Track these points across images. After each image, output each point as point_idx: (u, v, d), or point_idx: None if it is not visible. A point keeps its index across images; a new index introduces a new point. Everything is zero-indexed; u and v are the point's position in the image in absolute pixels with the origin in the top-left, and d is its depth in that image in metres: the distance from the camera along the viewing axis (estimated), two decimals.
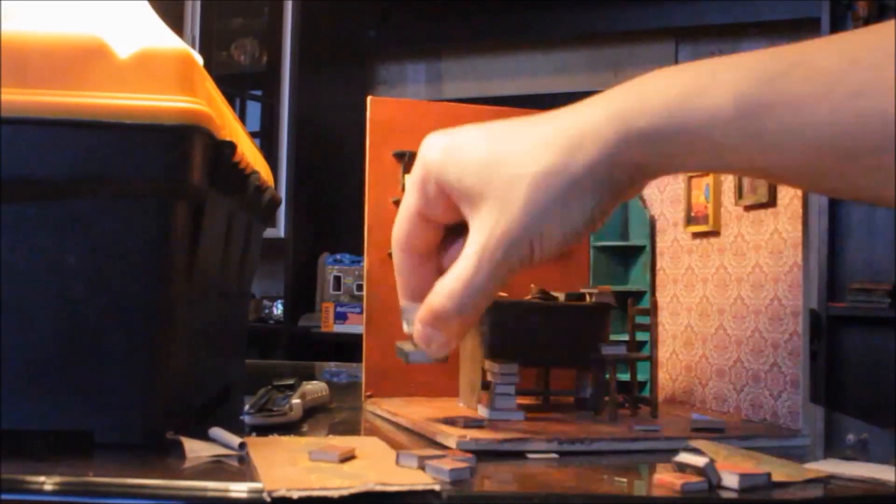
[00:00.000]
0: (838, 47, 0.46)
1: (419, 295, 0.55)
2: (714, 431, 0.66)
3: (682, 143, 0.49)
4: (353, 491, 0.45)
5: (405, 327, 0.55)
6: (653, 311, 0.81)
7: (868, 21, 2.91)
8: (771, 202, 0.73)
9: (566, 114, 0.52)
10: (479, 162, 0.52)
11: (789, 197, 0.72)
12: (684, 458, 0.51)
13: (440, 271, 0.54)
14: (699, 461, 0.50)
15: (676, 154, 0.50)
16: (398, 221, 0.56)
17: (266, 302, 3.43)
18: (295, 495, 0.44)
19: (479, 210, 0.52)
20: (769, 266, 0.73)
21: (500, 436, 0.62)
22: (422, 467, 0.52)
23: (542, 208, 0.51)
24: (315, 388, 0.76)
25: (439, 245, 0.56)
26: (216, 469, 0.53)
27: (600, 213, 0.52)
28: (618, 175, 0.52)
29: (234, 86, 3.45)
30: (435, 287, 0.53)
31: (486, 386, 0.73)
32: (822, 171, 0.47)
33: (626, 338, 0.90)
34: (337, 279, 3.30)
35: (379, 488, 0.46)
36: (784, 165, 0.48)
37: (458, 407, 0.77)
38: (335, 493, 0.45)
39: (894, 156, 0.44)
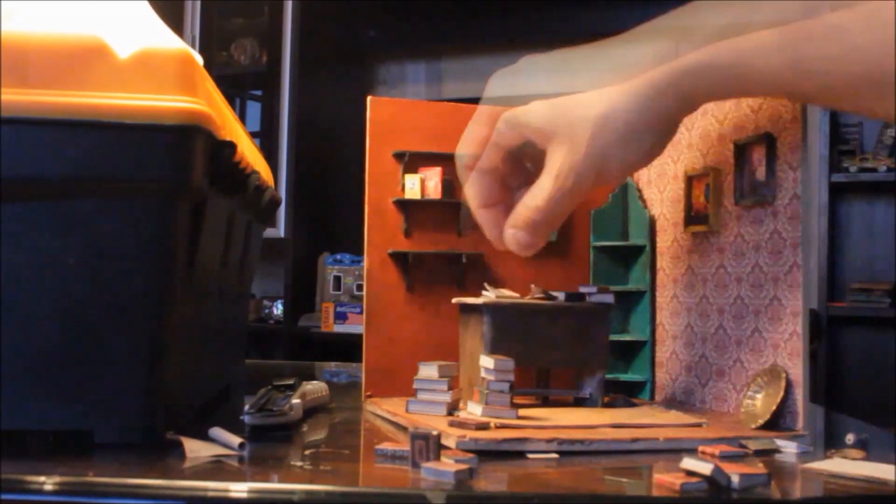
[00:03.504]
0: None
1: (494, 201, 0.65)
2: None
3: (728, 73, 0.55)
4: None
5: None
6: (652, 310, 0.81)
7: None
8: (770, 202, 0.73)
9: (617, 49, 0.60)
10: (548, 103, 0.60)
11: (789, 197, 0.72)
12: (690, 464, 0.51)
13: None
14: (705, 468, 0.50)
15: (722, 83, 0.56)
16: (468, 146, 0.65)
17: (266, 302, 3.43)
18: None
19: (551, 144, 0.60)
20: (769, 266, 0.73)
21: (499, 436, 0.62)
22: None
23: (604, 145, 0.59)
24: (315, 388, 0.76)
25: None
26: (216, 469, 0.53)
27: (658, 145, 0.60)
28: (669, 109, 0.58)
29: (234, 86, 3.45)
30: (521, 203, 0.62)
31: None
32: (860, 93, 0.51)
33: (626, 338, 0.90)
34: (337, 279, 3.30)
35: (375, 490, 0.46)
36: (822, 90, 0.53)
37: (461, 406, 0.77)
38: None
39: None
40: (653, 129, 0.59)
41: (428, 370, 0.73)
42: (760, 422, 0.69)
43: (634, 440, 0.63)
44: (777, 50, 0.52)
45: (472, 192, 0.64)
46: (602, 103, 0.58)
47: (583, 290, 0.81)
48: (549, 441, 0.61)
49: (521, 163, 0.65)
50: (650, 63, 0.59)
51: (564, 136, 0.59)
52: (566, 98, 0.59)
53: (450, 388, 0.73)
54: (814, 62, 0.51)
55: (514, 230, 0.62)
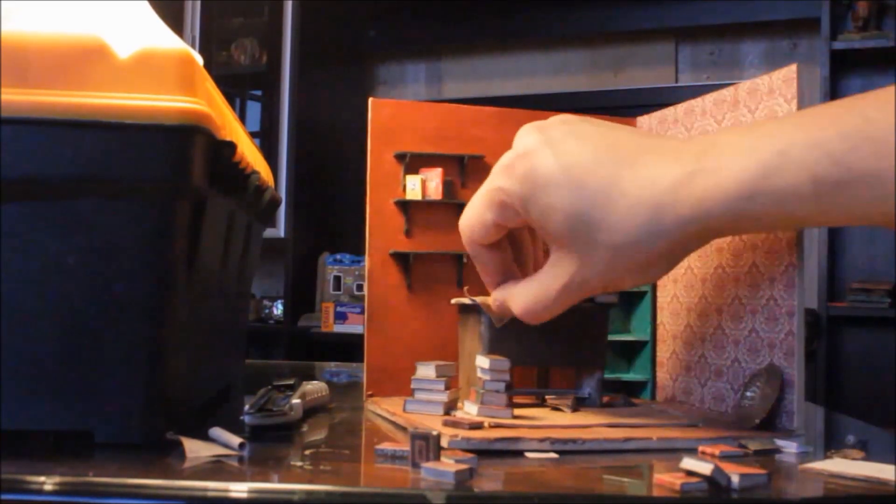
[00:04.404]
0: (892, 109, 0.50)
1: (501, 278, 0.67)
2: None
3: (759, 218, 0.55)
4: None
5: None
6: (653, 311, 0.81)
7: (868, 21, 2.91)
8: None
9: (645, 176, 0.58)
10: (565, 212, 0.59)
11: None
12: (690, 464, 0.51)
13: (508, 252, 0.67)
14: (705, 468, 0.50)
15: (754, 225, 0.57)
16: (472, 224, 0.65)
17: (266, 302, 3.44)
18: None
19: (560, 250, 0.61)
20: (765, 266, 0.73)
21: (492, 435, 0.62)
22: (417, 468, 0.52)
23: (620, 272, 0.59)
24: (315, 388, 0.76)
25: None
26: (216, 469, 0.53)
27: (671, 268, 0.62)
28: (694, 245, 0.60)
29: (234, 86, 3.45)
30: (516, 292, 0.65)
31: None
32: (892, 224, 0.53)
33: (627, 337, 0.90)
34: (337, 279, 3.31)
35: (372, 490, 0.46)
36: (856, 222, 0.54)
37: (459, 406, 0.77)
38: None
39: None
40: (670, 259, 0.60)
41: (425, 370, 0.73)
42: (756, 421, 0.69)
43: (627, 440, 0.63)
44: (812, 198, 0.53)
45: (480, 266, 0.67)
46: (626, 234, 0.57)
47: None
48: (542, 440, 0.61)
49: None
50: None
51: (580, 253, 0.59)
52: (587, 211, 0.58)
53: (447, 388, 0.73)
54: (849, 207, 0.52)
55: (501, 302, 0.66)
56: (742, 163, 0.54)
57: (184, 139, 0.57)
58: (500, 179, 0.62)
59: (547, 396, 0.80)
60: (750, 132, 0.56)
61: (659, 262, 0.59)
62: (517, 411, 0.71)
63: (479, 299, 0.75)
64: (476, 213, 0.64)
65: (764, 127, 0.56)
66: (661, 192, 0.56)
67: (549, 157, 0.59)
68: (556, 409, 0.75)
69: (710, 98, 0.83)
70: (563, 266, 0.61)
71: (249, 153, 0.75)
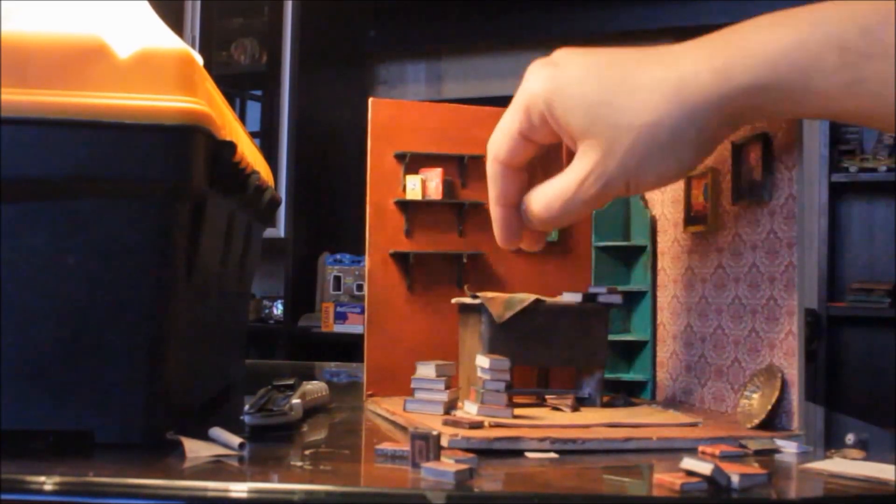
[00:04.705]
0: None
1: (512, 202, 0.61)
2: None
3: (784, 92, 0.53)
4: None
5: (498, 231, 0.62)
6: (653, 310, 0.81)
7: None
8: (767, 202, 0.73)
9: (667, 59, 0.56)
10: (587, 102, 0.56)
11: (785, 197, 0.72)
12: (690, 464, 0.51)
13: (530, 180, 0.62)
14: (705, 468, 0.50)
15: (777, 102, 0.54)
16: (499, 138, 0.61)
17: (266, 302, 3.43)
18: None
19: (583, 143, 0.57)
20: (765, 266, 0.73)
21: (492, 434, 0.62)
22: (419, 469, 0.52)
23: (642, 156, 0.55)
24: (315, 388, 0.76)
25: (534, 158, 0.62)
26: (216, 469, 0.53)
27: (697, 160, 0.57)
28: (719, 125, 0.56)
29: (234, 86, 3.45)
30: (535, 192, 0.60)
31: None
32: None
33: (627, 337, 0.90)
34: (337, 279, 3.30)
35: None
36: (878, 112, 0.51)
37: (460, 406, 0.77)
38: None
39: None
40: (696, 145, 0.56)
41: (425, 369, 0.73)
42: (756, 421, 0.69)
43: (627, 440, 0.63)
44: (837, 70, 0.51)
45: (494, 187, 0.62)
46: (648, 113, 0.55)
47: (592, 290, 0.81)
48: (542, 440, 0.61)
49: (553, 163, 0.62)
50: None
51: (601, 140, 0.56)
52: (609, 98, 0.56)
53: (447, 388, 0.73)
54: (873, 84, 0.50)
55: (525, 207, 0.61)
56: (768, 35, 0.53)
57: (184, 139, 0.57)
58: (525, 84, 0.60)
59: (547, 396, 0.80)
60: (773, 18, 0.55)
61: (684, 146, 0.55)
62: (517, 411, 0.71)
63: (480, 295, 0.74)
64: (503, 125, 0.61)
65: (788, 13, 0.54)
66: (685, 69, 0.55)
67: (570, 59, 0.58)
68: (556, 409, 0.75)
69: None
70: (583, 159, 0.57)
71: (249, 153, 0.75)
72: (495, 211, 0.62)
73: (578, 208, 0.58)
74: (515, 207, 0.61)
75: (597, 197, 0.57)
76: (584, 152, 0.57)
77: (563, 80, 0.57)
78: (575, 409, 0.75)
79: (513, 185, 0.61)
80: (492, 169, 0.61)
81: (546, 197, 0.59)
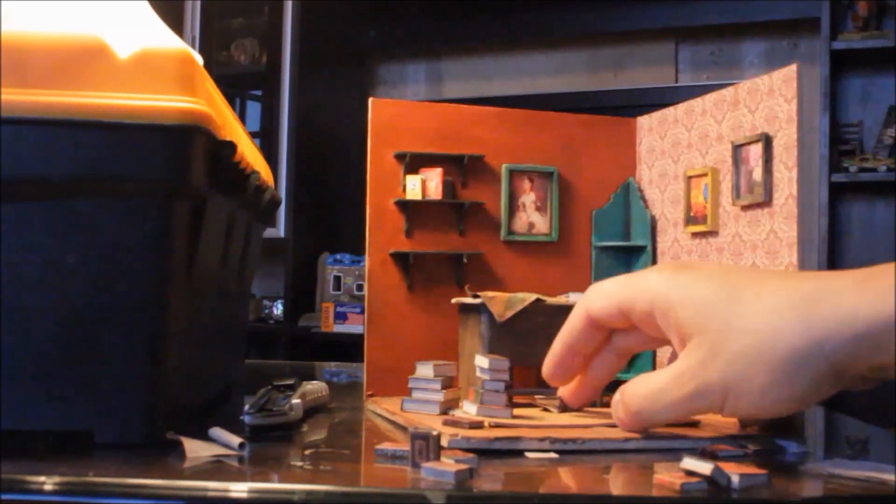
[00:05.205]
0: None
1: (578, 350, 0.62)
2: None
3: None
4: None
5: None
6: None
7: (868, 21, 2.91)
8: (767, 202, 0.73)
9: (781, 284, 0.53)
10: (700, 302, 0.54)
11: (784, 197, 0.72)
12: (690, 464, 0.51)
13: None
14: (705, 468, 0.50)
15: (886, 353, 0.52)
16: (599, 297, 0.60)
17: (266, 302, 3.43)
18: None
19: (690, 342, 0.55)
20: (765, 266, 0.73)
21: (491, 434, 0.62)
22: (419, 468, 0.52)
23: (744, 376, 0.52)
24: (315, 388, 0.76)
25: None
26: (216, 469, 0.53)
27: (803, 402, 0.55)
28: (834, 377, 0.55)
29: (234, 86, 3.45)
30: (636, 383, 0.59)
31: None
32: None
33: None
34: (337, 279, 3.30)
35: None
36: None
37: (459, 406, 0.77)
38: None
39: None
40: (810, 384, 0.53)
41: (424, 369, 0.73)
42: (756, 422, 0.68)
43: (627, 440, 0.63)
44: None
45: (570, 330, 0.62)
46: (763, 321, 0.51)
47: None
48: (542, 440, 0.61)
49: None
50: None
51: (708, 338, 0.53)
52: (728, 297, 0.53)
53: (445, 388, 0.73)
54: None
55: (618, 400, 0.61)
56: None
57: (184, 139, 0.57)
58: (644, 275, 0.59)
59: (536, 396, 0.79)
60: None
61: (791, 377, 0.52)
62: (517, 411, 0.71)
63: (481, 294, 0.74)
64: (609, 290, 0.60)
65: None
66: (803, 293, 0.51)
67: (684, 270, 0.56)
68: (545, 409, 0.75)
69: (710, 98, 0.83)
70: (686, 357, 0.54)
71: (249, 153, 0.75)
72: (558, 347, 0.63)
73: (671, 408, 0.56)
74: (579, 355, 0.63)
75: (690, 398, 0.54)
76: (689, 350, 0.55)
77: (680, 280, 0.56)
78: (562, 409, 0.74)
79: (586, 335, 0.62)
80: (577, 314, 0.62)
81: (638, 388, 0.58)
